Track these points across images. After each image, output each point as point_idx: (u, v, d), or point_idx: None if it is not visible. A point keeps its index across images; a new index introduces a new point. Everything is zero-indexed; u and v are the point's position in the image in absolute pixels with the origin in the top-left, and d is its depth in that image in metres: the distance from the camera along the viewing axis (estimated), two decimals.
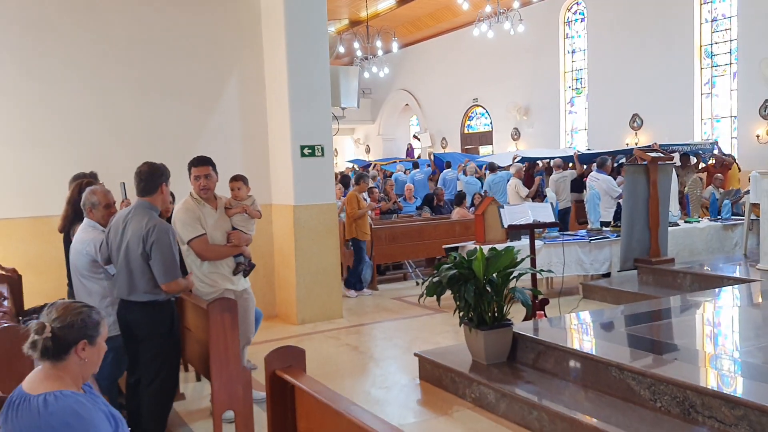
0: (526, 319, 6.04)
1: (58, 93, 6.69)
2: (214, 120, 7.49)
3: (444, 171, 13.92)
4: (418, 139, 23.71)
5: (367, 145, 25.99)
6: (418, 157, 22.16)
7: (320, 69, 7.41)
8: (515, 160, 13.32)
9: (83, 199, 4.21)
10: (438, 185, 13.16)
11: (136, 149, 6.79)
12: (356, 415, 2.33)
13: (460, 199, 10.96)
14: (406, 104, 24.24)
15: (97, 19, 6.85)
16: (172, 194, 5.33)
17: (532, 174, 12.59)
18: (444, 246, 8.15)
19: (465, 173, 12.93)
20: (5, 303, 4.52)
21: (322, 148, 7.43)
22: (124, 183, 5.21)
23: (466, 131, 21.95)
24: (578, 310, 6.85)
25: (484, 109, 21.02)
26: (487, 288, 4.92)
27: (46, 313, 2.15)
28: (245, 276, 4.76)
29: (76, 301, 2.25)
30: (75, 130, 6.76)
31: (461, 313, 5.00)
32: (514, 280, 5.10)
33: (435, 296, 5.00)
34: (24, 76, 6.53)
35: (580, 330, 5.49)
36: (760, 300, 6.37)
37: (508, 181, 11.11)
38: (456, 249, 7.84)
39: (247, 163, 7.61)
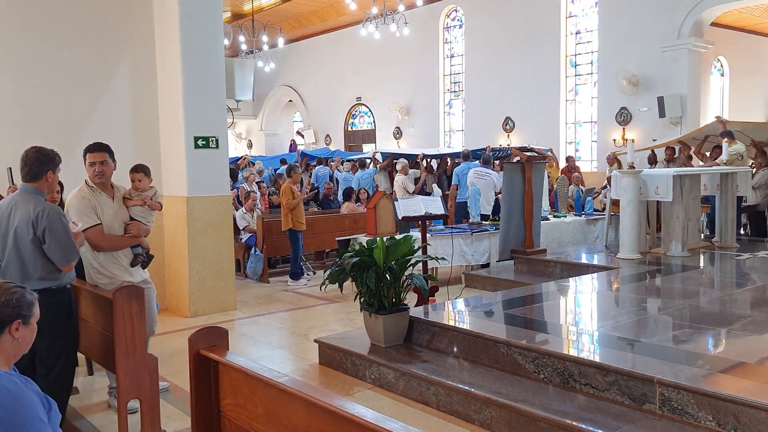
0: (418, 304, 6.41)
1: None
2: (103, 107, 7.23)
3: (316, 167, 14.18)
4: (302, 136, 23.74)
5: (249, 140, 25.63)
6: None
7: (215, 59, 7.37)
8: (374, 156, 14.01)
9: None
10: (311, 181, 13.37)
11: (21, 135, 6.43)
12: (285, 382, 2.48)
13: (348, 193, 11.24)
14: (290, 100, 24.19)
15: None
16: (60, 183, 5.16)
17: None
18: (337, 238, 8.37)
19: (341, 170, 13.23)
20: None
21: (217, 140, 7.39)
22: (10, 168, 4.97)
23: (349, 129, 22.28)
24: (462, 297, 7.33)
25: (368, 107, 21.46)
26: (387, 275, 5.20)
27: None
28: (144, 267, 4.71)
29: (9, 282, 2.23)
30: None
31: (362, 299, 5.24)
32: (411, 267, 5.42)
33: (337, 284, 5.20)
34: None
35: (468, 313, 5.92)
36: (618, 285, 7.15)
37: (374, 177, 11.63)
38: (349, 241, 8.10)
39: (138, 152, 7.38)
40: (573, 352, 4.49)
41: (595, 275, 7.61)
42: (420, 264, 6.49)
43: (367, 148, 21.11)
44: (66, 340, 3.81)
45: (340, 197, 12.07)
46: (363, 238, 8.19)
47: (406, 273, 5.37)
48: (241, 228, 9.94)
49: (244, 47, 16.88)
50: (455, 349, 5.10)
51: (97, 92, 7.19)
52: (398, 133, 20.26)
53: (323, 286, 5.32)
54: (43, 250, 3.66)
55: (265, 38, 16.79)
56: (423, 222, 6.83)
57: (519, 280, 8.28)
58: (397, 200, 7.09)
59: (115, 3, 7.28)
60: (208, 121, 7.32)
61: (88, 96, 7.12)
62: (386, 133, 20.61)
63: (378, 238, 5.19)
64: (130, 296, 3.98)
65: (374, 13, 15.17)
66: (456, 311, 5.98)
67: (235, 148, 25.87)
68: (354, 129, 22.26)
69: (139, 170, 4.77)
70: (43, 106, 6.83)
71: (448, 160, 13.30)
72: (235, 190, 10.75)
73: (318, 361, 5.62)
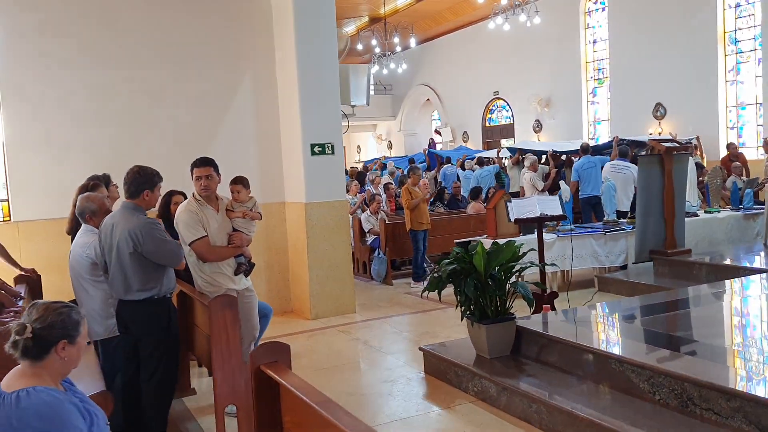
0: (535, 312, 6.06)
1: (76, 98, 6.87)
2: (229, 121, 7.62)
3: (443, 167, 13.93)
4: (440, 134, 23.66)
5: (389, 141, 26.02)
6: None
7: (329, 68, 7.49)
8: (499, 153, 13.43)
9: (79, 207, 4.34)
10: (438, 180, 13.17)
11: (152, 152, 6.96)
12: (331, 413, 2.40)
13: (476, 193, 10.96)
14: (427, 99, 24.21)
15: (114, 27, 7.01)
16: (183, 195, 5.50)
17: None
18: (456, 240, 8.17)
19: (463, 168, 12.90)
20: (20, 303, 4.70)
21: (332, 146, 7.51)
22: None
23: (487, 124, 21.84)
24: (592, 302, 6.82)
25: (505, 101, 20.89)
26: (489, 282, 4.95)
27: (27, 314, 2.25)
28: (246, 276, 4.85)
29: (56, 302, 2.33)
30: (93, 135, 6.92)
31: (462, 308, 5.04)
32: (517, 274, 5.12)
33: (436, 291, 5.05)
34: (43, 83, 6.72)
35: (586, 323, 5.48)
36: None
37: (496, 174, 11.15)
38: (468, 243, 7.87)
39: (261, 163, 7.76)
40: (694, 372, 3.97)
41: (746, 279, 6.75)
42: (540, 268, 6.16)
43: (506, 144, 20.58)
44: (165, 348, 4.02)
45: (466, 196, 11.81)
46: (484, 240, 7.92)
47: (512, 279, 5.08)
48: (366, 230, 10.06)
49: (377, 50, 17.12)
50: (563, 363, 4.73)
51: (223, 108, 7.59)
52: (538, 126, 19.51)
53: (424, 293, 5.18)
54: (141, 263, 3.90)
55: (396, 40, 16.90)
56: (539, 224, 6.44)
57: (659, 284, 7.59)
58: (510, 201, 6.75)
59: (238, 22, 7.64)
60: (323, 128, 7.46)
61: (215, 112, 7.54)
62: (525, 127, 19.92)
63: (478, 243, 4.96)
64: (225, 305, 4.12)
65: (504, 5, 14.68)
66: (573, 320, 5.57)
67: (376, 150, 26.44)
68: (492, 124, 21.79)
69: (238, 182, 4.93)
70: (176, 123, 7.33)
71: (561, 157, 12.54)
72: (363, 193, 10.91)
73: (424, 369, 5.50)
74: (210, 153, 7.32)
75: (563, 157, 12.55)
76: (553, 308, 6.17)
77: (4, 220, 6.79)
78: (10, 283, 5.55)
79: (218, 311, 4.07)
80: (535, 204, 6.41)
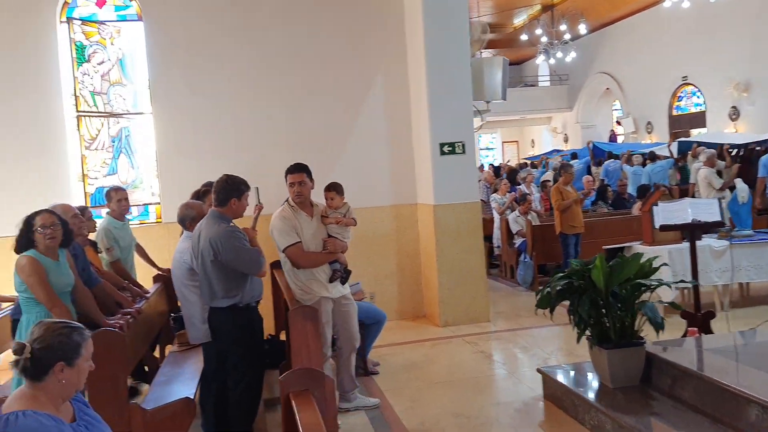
0: (686, 334, 5.22)
1: (218, 107, 7.20)
2: (360, 122, 7.56)
3: (606, 162, 12.62)
4: (620, 125, 21.90)
5: (565, 134, 24.65)
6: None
7: (460, 64, 7.11)
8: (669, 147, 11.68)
9: (180, 214, 4.46)
10: (600, 177, 11.97)
11: (291, 154, 7.09)
12: None
13: (643, 191, 9.85)
14: (607, 88, 22.52)
15: (252, 38, 7.24)
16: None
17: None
18: (604, 247, 7.35)
19: (630, 163, 11.57)
20: (141, 303, 4.97)
21: (463, 145, 7.12)
22: (258, 188, 5.46)
23: (674, 113, 19.75)
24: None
25: (696, 87, 18.72)
26: (611, 300, 4.30)
27: (30, 332, 2.24)
28: (343, 283, 4.70)
29: (59, 321, 2.30)
30: (234, 141, 7.20)
31: (577, 329, 4.42)
32: (649, 291, 4.39)
33: (548, 308, 4.49)
34: (190, 94, 7.12)
35: (737, 352, 4.55)
36: None
37: (670, 169, 9.73)
38: (619, 251, 7.06)
39: (392, 164, 7.62)
40: None
41: None
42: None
43: (696, 133, 18.45)
44: (250, 358, 3.99)
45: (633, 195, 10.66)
46: (639, 247, 7.05)
47: (643, 297, 4.37)
48: (513, 232, 9.49)
49: (544, 39, 16.21)
50: (698, 402, 3.94)
51: (355, 109, 7.54)
52: (735, 114, 17.18)
53: (537, 310, 4.64)
54: (223, 270, 3.90)
55: (564, 27, 15.85)
56: (691, 232, 5.51)
57: None
58: (656, 204, 5.86)
59: (371, 19, 7.54)
60: (453, 127, 7.10)
61: (347, 113, 7.52)
62: (719, 115, 17.65)
63: (599, 256, 4.32)
64: (305, 316, 3.98)
65: None
66: (725, 348, 4.65)
67: (551, 144, 25.22)
68: (680, 113, 19.65)
69: (331, 188, 4.80)
70: (308, 126, 7.42)
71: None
72: (514, 192, 10.33)
73: (542, 393, 4.95)
74: (342, 156, 7.42)
75: (739, 151, 10.80)
76: (707, 331, 5.25)
77: (156, 221, 7.34)
78: (149, 281, 5.97)
79: (298, 323, 3.94)
80: (687, 208, 5.49)
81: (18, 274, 3.76)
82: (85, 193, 6.96)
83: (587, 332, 4.37)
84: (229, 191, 4.00)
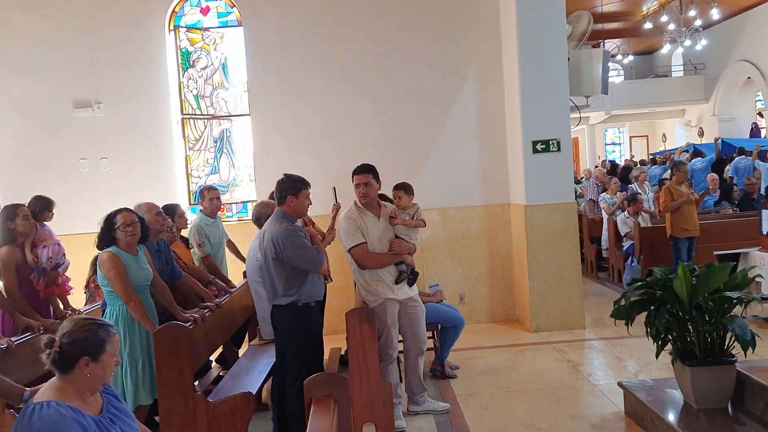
0: None
1: (310, 108, 7.35)
2: (452, 119, 7.44)
3: (736, 159, 11.43)
4: (763, 117, 19.93)
5: (700, 128, 22.81)
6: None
7: (556, 57, 6.78)
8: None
9: (255, 212, 4.60)
10: (729, 174, 10.87)
11: (382, 153, 7.15)
12: None
13: None
14: (748, 77, 20.56)
15: (343, 39, 7.34)
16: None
17: None
18: (716, 253, 6.74)
19: (764, 159, 10.40)
20: (223, 298, 5.20)
21: (558, 143, 6.80)
22: (335, 187, 5.54)
23: None
24: None
25: None
26: (695, 314, 3.92)
27: (61, 327, 2.40)
28: (410, 285, 4.63)
29: (88, 318, 2.45)
30: (324, 141, 7.32)
31: (656, 343, 4.07)
32: (741, 305, 3.96)
33: (625, 320, 4.17)
34: (284, 96, 7.33)
35: None
36: None
37: None
38: (734, 257, 6.47)
39: (484, 163, 7.45)
40: None
41: None
42: None
43: None
44: (306, 356, 4.04)
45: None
46: (757, 254, 6.42)
47: (734, 311, 3.95)
48: (622, 234, 8.93)
49: (671, 27, 15.10)
50: None
51: (445, 106, 7.43)
52: None
53: (616, 321, 4.33)
54: (284, 268, 3.98)
55: (693, 13, 14.66)
56: None
57: None
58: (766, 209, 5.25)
59: (463, 17, 7.39)
60: (547, 123, 6.79)
61: (436, 110, 7.42)
62: None
63: (682, 266, 3.95)
64: (362, 319, 3.99)
65: None
66: None
67: (684, 138, 23.47)
68: None
69: (399, 188, 4.74)
70: (399, 124, 7.41)
71: None
72: (625, 191, 9.72)
73: (624, 408, 4.62)
74: (431, 154, 7.36)
75: None
76: None
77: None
78: (239, 275, 6.24)
79: (354, 325, 3.95)
80: None
81: (100, 268, 4.06)
82: (189, 191, 7.41)
83: (661, 347, 4.00)
84: (286, 189, 4.08)
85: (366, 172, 4.57)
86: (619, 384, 4.69)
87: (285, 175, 4.22)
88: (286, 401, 4.13)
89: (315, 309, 4.13)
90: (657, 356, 4.11)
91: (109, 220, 4.12)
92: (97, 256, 4.19)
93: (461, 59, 7.41)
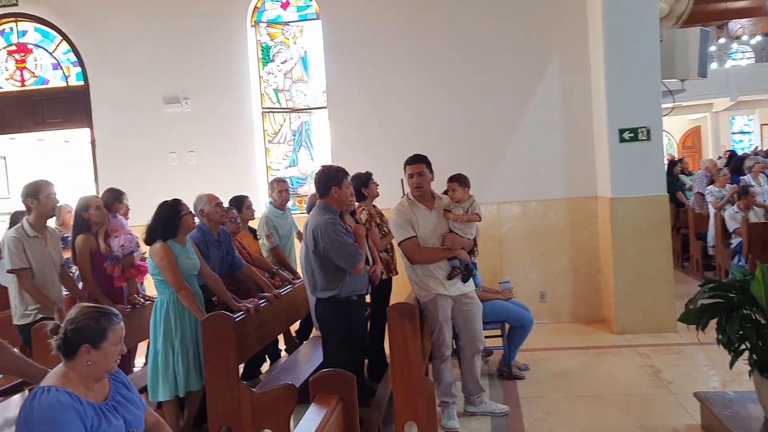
0: None
1: (386, 101, 7.25)
2: (533, 108, 7.11)
3: None
4: None
5: None
6: None
7: (647, 38, 6.27)
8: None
9: (310, 203, 4.60)
10: None
11: (459, 145, 7.03)
12: None
13: None
14: None
15: (424, 28, 7.18)
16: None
17: None
18: None
19: None
20: (285, 289, 5.25)
21: (648, 131, 6.30)
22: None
23: None
24: None
25: None
26: None
27: (69, 314, 2.46)
28: (464, 281, 4.44)
29: (92, 306, 2.47)
30: (400, 135, 7.14)
31: (730, 352, 3.64)
32: None
33: (695, 326, 3.76)
34: (365, 88, 7.27)
35: None
36: None
37: None
38: None
39: (567, 153, 7.08)
40: None
41: None
42: None
43: None
44: (346, 350, 3.98)
45: None
46: None
47: None
48: (730, 230, 8.16)
49: None
50: None
51: (526, 95, 7.09)
52: None
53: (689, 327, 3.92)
54: (324, 261, 3.95)
55: None
56: None
57: None
58: None
59: (545, 1, 7.02)
60: (636, 110, 6.30)
61: (517, 100, 7.10)
62: None
63: (759, 266, 3.50)
64: (403, 315, 3.88)
65: None
66: None
67: None
68: None
69: (453, 180, 4.55)
70: (478, 115, 7.17)
71: None
72: (736, 184, 8.87)
73: (700, 421, 4.19)
74: (511, 145, 7.11)
75: None
76: None
77: None
78: None
79: (396, 321, 3.85)
80: None
81: (152, 258, 4.20)
82: (268, 183, 7.56)
83: (735, 357, 3.57)
84: (328, 181, 4.03)
85: (419, 162, 4.43)
86: (695, 395, 4.25)
87: (324, 166, 4.18)
88: None
89: (357, 303, 4.06)
90: (731, 366, 3.67)
91: (174, 210, 4.23)
92: None
93: (544, 45, 7.04)
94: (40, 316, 4.49)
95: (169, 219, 4.24)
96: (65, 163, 9.66)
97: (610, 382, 5.17)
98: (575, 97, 6.98)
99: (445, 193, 4.69)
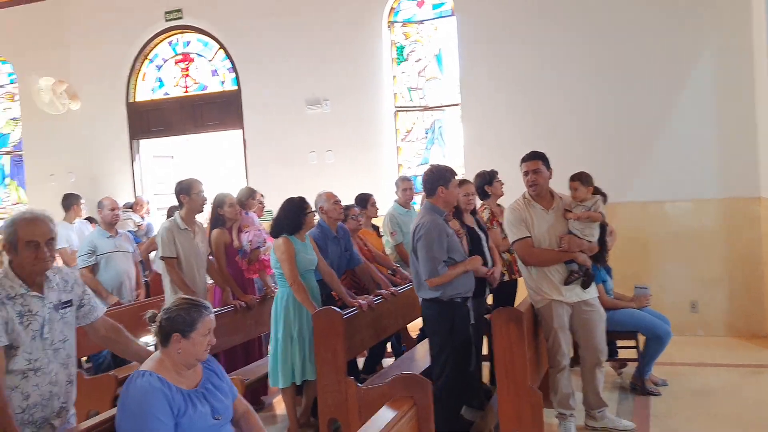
0: None
1: (525, 96, 7.02)
2: (682, 101, 6.52)
3: None
4: None
5: None
6: None
7: None
8: None
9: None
10: None
11: (598, 142, 6.67)
12: None
13: None
14: None
15: (562, 19, 6.90)
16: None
17: None
18: None
19: None
20: (405, 287, 5.27)
21: None
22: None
23: None
24: None
25: None
26: None
27: (166, 303, 2.65)
28: (584, 287, 4.14)
29: (185, 298, 2.63)
30: (538, 131, 6.90)
31: None
32: None
33: None
34: (499, 84, 7.11)
35: None
36: None
37: None
38: None
39: (723, 148, 6.46)
40: None
41: None
42: None
43: None
44: (450, 353, 3.90)
45: None
46: None
47: None
48: None
49: None
50: None
51: (675, 86, 6.50)
52: None
53: None
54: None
55: None
56: None
57: None
58: None
59: None
60: None
61: (664, 91, 6.54)
62: None
63: None
64: (509, 319, 3.73)
65: None
66: None
67: None
68: None
69: (575, 178, 4.25)
70: (617, 110, 6.71)
71: None
72: None
73: None
74: (656, 141, 6.63)
75: None
76: None
77: None
78: None
79: (501, 326, 3.71)
80: None
81: (274, 251, 4.41)
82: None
83: None
84: (435, 180, 3.96)
85: (535, 158, 4.21)
86: None
87: (432, 165, 4.13)
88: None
89: (461, 305, 3.95)
90: None
91: (300, 207, 4.44)
92: None
93: (696, 27, 6.41)
94: None
95: (295, 215, 4.43)
96: (224, 162, 10.46)
97: (759, 406, 4.58)
98: (733, 86, 6.28)
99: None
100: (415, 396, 2.56)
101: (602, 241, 4.56)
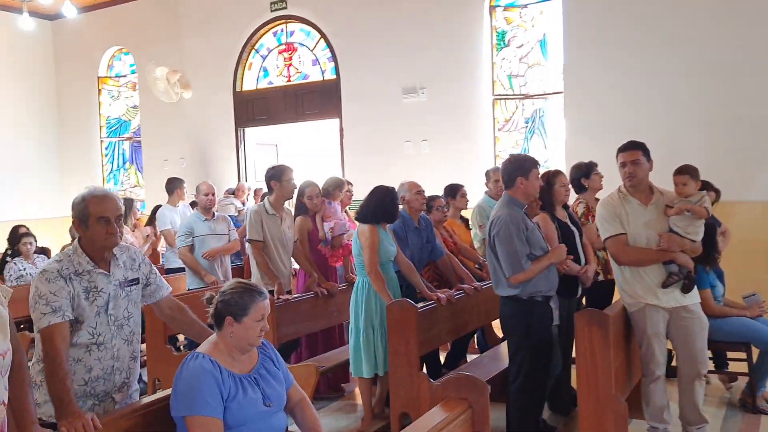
0: None
1: (633, 84, 6.58)
2: None
3: None
4: None
5: None
6: None
7: None
8: None
9: None
10: None
11: (713, 135, 6.12)
12: None
13: None
14: None
15: (675, 5, 6.36)
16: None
17: None
18: None
19: None
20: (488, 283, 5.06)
21: None
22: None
23: None
24: None
25: None
26: None
27: (223, 287, 2.63)
28: (685, 291, 3.73)
29: (241, 282, 2.58)
30: (648, 121, 6.44)
31: None
32: None
33: None
34: (606, 72, 6.68)
35: None
36: None
37: None
38: None
39: None
40: None
41: None
42: None
43: None
44: (526, 353, 3.66)
45: None
46: None
47: None
48: None
49: None
50: None
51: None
52: None
53: None
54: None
55: None
56: None
57: None
58: None
59: None
60: None
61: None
62: None
63: None
64: (591, 321, 3.45)
65: None
66: None
67: None
68: None
69: (683, 172, 3.82)
70: (736, 97, 6.09)
71: None
72: None
73: None
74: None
75: None
76: None
77: None
78: None
79: (583, 328, 3.43)
80: None
81: (359, 237, 4.34)
82: None
83: None
84: (513, 170, 3.71)
85: (634, 148, 3.83)
86: None
87: (512, 155, 3.89)
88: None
89: (542, 304, 3.69)
90: None
91: (391, 197, 4.37)
92: None
93: None
94: (268, 288, 4.96)
95: (387, 205, 4.35)
96: (324, 151, 10.57)
97: None
98: None
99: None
100: (470, 398, 2.38)
101: (711, 242, 4.13)
